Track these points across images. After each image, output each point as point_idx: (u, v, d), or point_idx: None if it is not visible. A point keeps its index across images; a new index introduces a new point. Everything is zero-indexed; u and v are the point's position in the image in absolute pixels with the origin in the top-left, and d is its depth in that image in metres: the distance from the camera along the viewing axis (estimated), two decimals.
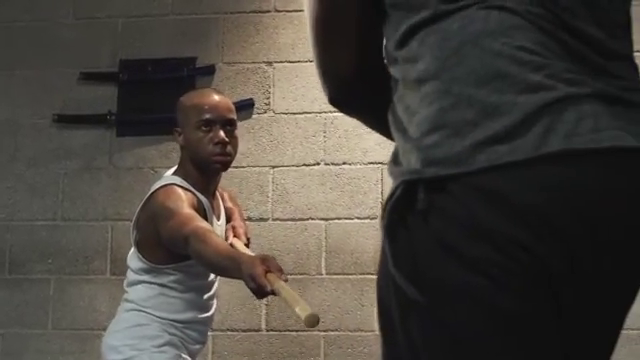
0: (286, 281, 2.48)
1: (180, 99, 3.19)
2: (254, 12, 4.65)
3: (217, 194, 3.21)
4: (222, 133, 3.02)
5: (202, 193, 3.05)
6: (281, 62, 4.57)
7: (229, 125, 3.07)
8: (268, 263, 2.48)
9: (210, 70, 4.63)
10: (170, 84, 4.62)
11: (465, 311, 1.20)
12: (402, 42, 1.33)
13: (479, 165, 1.19)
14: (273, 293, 2.45)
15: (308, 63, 4.40)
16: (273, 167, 4.48)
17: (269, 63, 4.57)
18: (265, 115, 4.54)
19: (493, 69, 1.23)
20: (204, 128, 3.02)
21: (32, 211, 4.61)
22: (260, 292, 2.47)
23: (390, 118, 1.37)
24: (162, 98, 4.59)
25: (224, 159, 3.05)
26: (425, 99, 1.27)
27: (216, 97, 3.12)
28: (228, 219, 3.26)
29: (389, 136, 1.49)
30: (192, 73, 4.64)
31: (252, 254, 2.75)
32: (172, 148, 4.53)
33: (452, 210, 1.21)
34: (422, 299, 1.22)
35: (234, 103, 4.34)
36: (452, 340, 1.22)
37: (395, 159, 1.32)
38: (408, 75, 1.32)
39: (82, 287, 4.50)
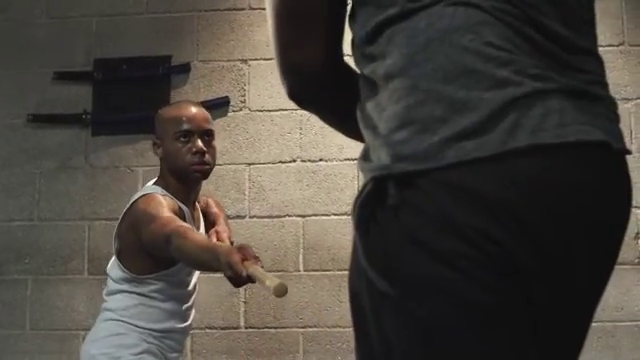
0: (262, 268, 2.50)
1: (158, 112, 3.23)
2: (229, 10, 4.65)
3: (197, 205, 3.25)
4: (200, 143, 3.07)
5: (183, 203, 3.08)
6: (256, 59, 4.57)
7: (207, 135, 3.12)
8: (244, 251, 2.51)
9: (185, 68, 4.62)
10: (145, 83, 4.61)
11: (436, 304, 1.21)
12: (370, 39, 1.33)
13: (448, 161, 1.20)
14: (250, 279, 2.47)
15: None
16: (249, 164, 4.49)
17: (244, 61, 4.58)
18: (241, 113, 4.54)
19: (460, 65, 1.24)
20: (182, 139, 3.08)
21: (8, 211, 4.59)
22: (237, 279, 2.50)
23: (359, 115, 1.38)
24: (137, 97, 4.59)
25: (203, 168, 3.09)
26: (393, 96, 1.28)
27: (193, 108, 3.17)
28: (212, 224, 3.28)
29: (347, 133, 1.51)
30: (167, 71, 4.63)
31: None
32: (148, 147, 4.51)
33: (422, 205, 1.22)
34: (394, 293, 1.23)
35: (209, 101, 4.36)
36: (423, 333, 1.23)
37: (365, 155, 1.33)
38: (377, 72, 1.32)
39: (60, 287, 4.48)
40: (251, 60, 4.56)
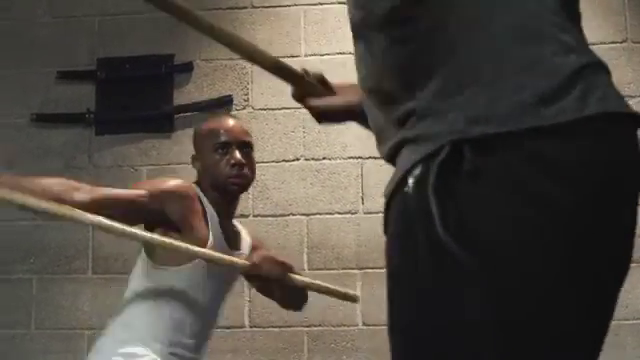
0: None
1: (195, 128, 3.21)
2: (231, 8, 4.64)
3: (236, 224, 3.18)
4: (238, 155, 3.01)
5: (218, 215, 3.01)
6: None
7: (245, 147, 3.06)
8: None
9: (188, 67, 4.62)
10: (148, 81, 4.62)
11: (515, 270, 1.21)
12: (417, 1, 1.32)
13: (526, 125, 1.21)
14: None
15: (286, 59, 4.39)
16: None
17: None
18: (244, 111, 4.54)
19: (529, 27, 1.27)
20: (220, 151, 3.02)
21: (13, 211, 4.57)
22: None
23: (381, 74, 1.37)
24: (140, 96, 4.60)
25: (241, 181, 3.03)
26: (451, 54, 1.28)
27: (231, 121, 3.14)
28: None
29: None
30: (170, 70, 4.63)
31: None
32: (151, 146, 4.53)
33: (498, 170, 1.22)
34: (471, 261, 1.22)
35: (213, 100, 4.36)
36: (505, 302, 1.22)
37: (408, 115, 1.31)
38: (422, 30, 1.31)
39: (64, 286, 4.49)
40: None
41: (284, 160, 4.47)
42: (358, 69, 1.48)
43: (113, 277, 4.33)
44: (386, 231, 1.39)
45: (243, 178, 3.03)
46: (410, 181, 1.29)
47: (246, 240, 3.18)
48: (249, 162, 3.06)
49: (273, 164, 4.47)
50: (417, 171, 1.28)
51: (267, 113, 4.51)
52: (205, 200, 3.00)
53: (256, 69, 4.55)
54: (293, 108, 4.43)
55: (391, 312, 1.35)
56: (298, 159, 4.47)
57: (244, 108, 4.54)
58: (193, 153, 3.13)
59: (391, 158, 1.40)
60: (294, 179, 4.45)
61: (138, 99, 4.59)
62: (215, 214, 3.00)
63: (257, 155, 4.49)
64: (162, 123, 4.55)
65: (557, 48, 1.26)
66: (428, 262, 1.26)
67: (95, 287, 4.38)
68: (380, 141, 1.45)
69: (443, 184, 1.24)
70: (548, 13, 1.29)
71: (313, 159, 4.46)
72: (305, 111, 4.59)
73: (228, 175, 3.00)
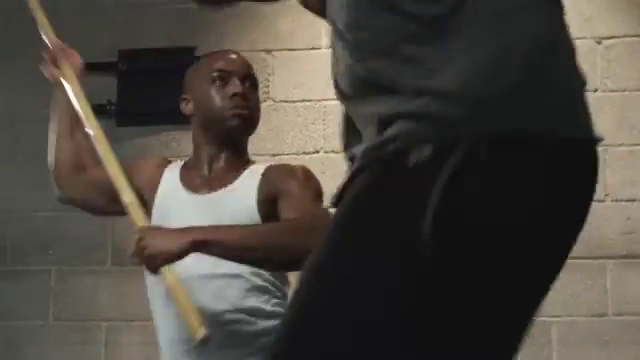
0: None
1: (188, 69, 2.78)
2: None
3: (241, 176, 2.59)
4: (240, 85, 2.54)
5: (208, 163, 2.60)
6: (280, 50, 4.55)
7: (248, 81, 2.60)
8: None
9: None
10: (169, 73, 4.61)
11: (492, 281, 1.24)
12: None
13: (524, 130, 1.24)
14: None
15: (307, 51, 4.40)
16: (273, 155, 4.47)
17: (268, 51, 4.56)
18: (265, 104, 4.51)
19: (544, 37, 1.28)
20: (218, 82, 2.56)
21: (33, 202, 4.60)
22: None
23: (386, 51, 1.35)
24: (162, 88, 4.59)
25: (243, 112, 2.54)
26: (472, 46, 1.27)
27: (232, 53, 2.72)
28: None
29: None
30: (191, 62, 4.61)
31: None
32: (172, 137, 4.52)
33: (496, 169, 1.24)
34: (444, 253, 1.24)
35: None
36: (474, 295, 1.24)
37: (418, 94, 1.29)
38: (442, 15, 1.30)
39: (83, 278, 4.49)
40: (275, 51, 4.55)
41: (304, 152, 4.46)
42: (338, 61, 1.49)
43: (133, 269, 4.32)
44: (341, 196, 1.43)
45: (245, 110, 2.55)
46: (412, 160, 1.26)
47: (247, 194, 2.57)
48: (253, 99, 2.61)
49: (293, 156, 4.45)
50: (423, 153, 1.25)
51: (288, 105, 4.50)
52: (170, 167, 2.69)
53: (277, 61, 4.55)
54: (314, 100, 4.42)
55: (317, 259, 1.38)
56: (318, 151, 4.46)
57: (265, 100, 4.52)
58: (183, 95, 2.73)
59: (382, 125, 1.35)
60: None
61: (159, 91, 4.59)
62: (178, 175, 2.64)
63: (277, 148, 4.50)
64: (183, 115, 4.54)
65: (566, 65, 1.31)
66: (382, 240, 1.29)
67: (114, 279, 4.38)
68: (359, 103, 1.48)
69: (451, 178, 1.23)
70: (562, 24, 1.33)
71: (333, 152, 4.44)
72: (325, 104, 4.58)
73: (227, 107, 2.53)
